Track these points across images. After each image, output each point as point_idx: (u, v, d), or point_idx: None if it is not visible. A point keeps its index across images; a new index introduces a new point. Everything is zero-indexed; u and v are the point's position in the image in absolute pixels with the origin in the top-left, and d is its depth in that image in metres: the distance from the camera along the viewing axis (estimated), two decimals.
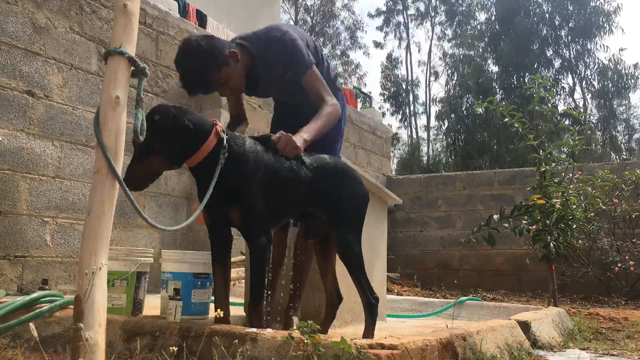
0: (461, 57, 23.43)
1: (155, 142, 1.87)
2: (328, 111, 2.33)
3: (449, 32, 27.06)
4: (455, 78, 22.73)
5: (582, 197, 4.12)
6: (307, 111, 2.40)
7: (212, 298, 2.52)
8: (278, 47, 2.37)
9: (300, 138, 2.16)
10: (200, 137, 1.96)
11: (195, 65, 2.19)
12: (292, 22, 27.47)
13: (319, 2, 28.26)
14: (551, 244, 3.79)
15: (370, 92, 20.92)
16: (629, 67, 20.40)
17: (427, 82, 28.34)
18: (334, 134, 2.61)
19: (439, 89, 46.24)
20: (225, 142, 1.98)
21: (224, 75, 2.26)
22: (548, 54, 21.32)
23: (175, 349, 1.49)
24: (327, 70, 2.60)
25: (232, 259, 2.32)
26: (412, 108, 27.99)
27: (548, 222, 3.85)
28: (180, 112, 1.95)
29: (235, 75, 2.32)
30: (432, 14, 28.00)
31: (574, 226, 3.91)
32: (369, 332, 2.15)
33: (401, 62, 28.60)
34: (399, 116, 27.60)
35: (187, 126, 1.93)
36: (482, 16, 24.78)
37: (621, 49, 29.93)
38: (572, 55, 21.45)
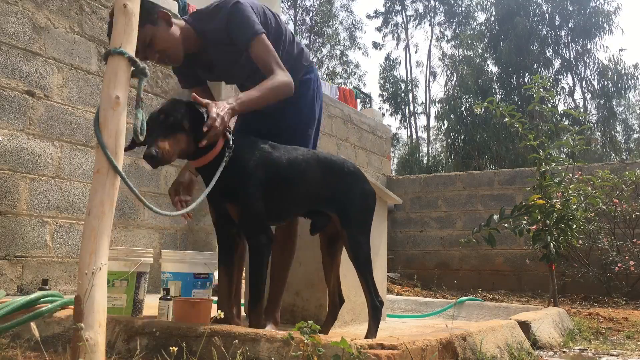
0: (460, 57, 23.44)
1: (186, 124, 1.87)
2: (274, 84, 2.11)
3: (448, 32, 27.11)
4: (455, 78, 22.75)
5: (582, 197, 4.12)
6: (277, 116, 2.29)
7: (214, 298, 2.52)
8: (222, 16, 2.18)
9: (227, 106, 1.95)
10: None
11: None
12: (291, 23, 27.51)
13: (317, 2, 28.28)
14: (551, 244, 3.79)
15: (370, 93, 20.93)
16: (629, 67, 20.39)
17: (427, 83, 28.43)
18: (306, 118, 2.46)
19: (438, 90, 46.27)
20: (231, 142, 1.97)
21: (148, 33, 2.08)
22: (548, 54, 21.31)
23: (175, 349, 1.49)
24: (290, 44, 2.42)
25: None
26: (411, 108, 28.03)
27: (548, 222, 3.85)
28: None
29: (164, 39, 2.14)
30: (432, 15, 28.03)
31: (574, 226, 3.91)
32: (371, 333, 2.14)
33: (399, 63, 28.66)
34: (398, 116, 27.65)
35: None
36: (481, 16, 24.81)
37: (621, 49, 30.02)
38: (572, 56, 21.45)
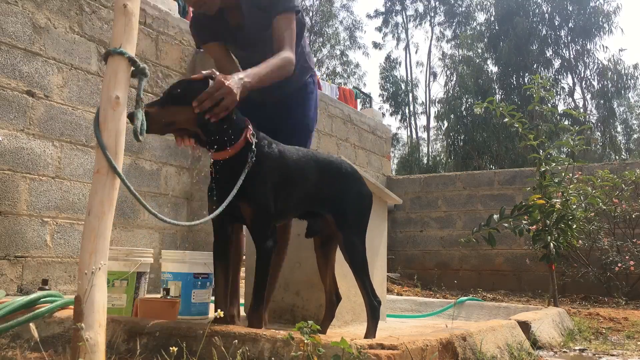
0: (460, 57, 23.45)
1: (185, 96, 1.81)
2: (281, 62, 2.08)
3: (448, 32, 27.13)
4: (455, 79, 22.77)
5: (582, 197, 4.12)
6: (283, 115, 2.25)
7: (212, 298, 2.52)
8: None
9: (239, 81, 1.84)
10: (236, 134, 1.91)
11: None
12: None
13: (317, 2, 28.29)
14: (551, 244, 3.79)
15: (370, 93, 20.94)
16: (629, 67, 20.46)
17: (427, 83, 28.43)
18: (310, 120, 2.46)
19: (438, 90, 46.29)
20: (254, 146, 1.92)
21: None
22: (548, 54, 21.33)
23: (175, 349, 1.49)
24: (303, 42, 2.46)
25: None
26: (411, 108, 28.04)
27: (548, 222, 3.85)
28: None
29: None
30: (432, 15, 28.04)
31: (574, 226, 3.90)
32: (370, 333, 2.15)
33: (399, 63, 28.70)
34: (398, 116, 27.68)
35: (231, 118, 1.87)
36: (481, 17, 24.83)
37: (621, 50, 30.06)
38: (572, 56, 21.47)
